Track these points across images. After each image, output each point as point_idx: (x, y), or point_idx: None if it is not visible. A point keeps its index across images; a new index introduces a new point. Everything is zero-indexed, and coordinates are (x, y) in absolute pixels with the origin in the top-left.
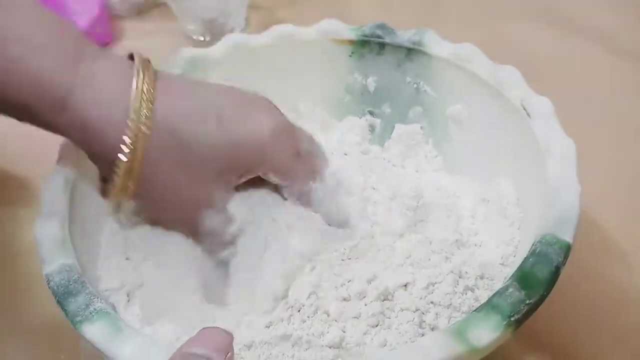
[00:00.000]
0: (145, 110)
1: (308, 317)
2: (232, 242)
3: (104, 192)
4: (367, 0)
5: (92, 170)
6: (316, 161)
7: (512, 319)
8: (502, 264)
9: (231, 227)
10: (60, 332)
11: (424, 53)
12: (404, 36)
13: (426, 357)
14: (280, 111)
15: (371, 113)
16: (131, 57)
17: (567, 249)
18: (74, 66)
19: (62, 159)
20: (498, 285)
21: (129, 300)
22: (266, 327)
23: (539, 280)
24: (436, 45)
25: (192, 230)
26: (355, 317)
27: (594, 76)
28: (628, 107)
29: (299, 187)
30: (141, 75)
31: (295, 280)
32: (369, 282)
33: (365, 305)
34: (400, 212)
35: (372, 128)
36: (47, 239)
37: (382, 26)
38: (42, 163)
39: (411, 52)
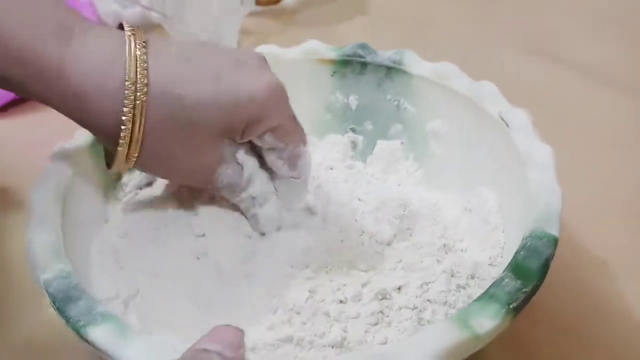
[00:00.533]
0: (140, 77)
1: (308, 319)
2: (247, 186)
3: (108, 164)
4: (355, 27)
5: (83, 177)
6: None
7: (511, 306)
8: (491, 265)
9: (244, 174)
10: (50, 342)
11: (404, 72)
12: (384, 55)
13: (433, 344)
14: (273, 72)
15: (353, 130)
16: (121, 27)
17: (555, 242)
18: (65, 38)
19: (53, 166)
20: (489, 284)
21: (125, 310)
22: (268, 329)
23: (532, 271)
24: (416, 64)
25: (210, 187)
26: (354, 317)
27: (576, 103)
28: (607, 129)
29: (291, 150)
30: (132, 43)
31: (291, 286)
32: (363, 286)
33: (364, 305)
34: (388, 221)
35: (354, 145)
36: (40, 246)
37: (363, 46)
38: (30, 173)
39: (391, 70)
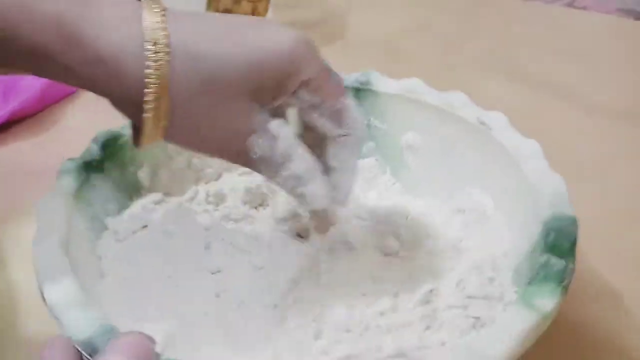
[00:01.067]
0: (161, 39)
1: (360, 334)
2: (284, 163)
3: (136, 140)
4: (334, 52)
5: (75, 228)
6: (341, 78)
7: (563, 283)
8: (505, 256)
9: (279, 147)
10: None
11: (371, 91)
12: (351, 78)
13: (513, 331)
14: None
15: None
16: None
17: (576, 221)
18: (82, 2)
19: (47, 219)
20: (508, 274)
21: None
22: (322, 354)
23: (566, 249)
24: (382, 83)
25: (243, 161)
26: (406, 325)
27: (552, 126)
28: (587, 154)
29: (332, 104)
30: (151, 6)
31: (327, 307)
32: (396, 296)
33: (411, 311)
34: (393, 233)
35: None
36: (68, 303)
37: None
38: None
39: (359, 92)
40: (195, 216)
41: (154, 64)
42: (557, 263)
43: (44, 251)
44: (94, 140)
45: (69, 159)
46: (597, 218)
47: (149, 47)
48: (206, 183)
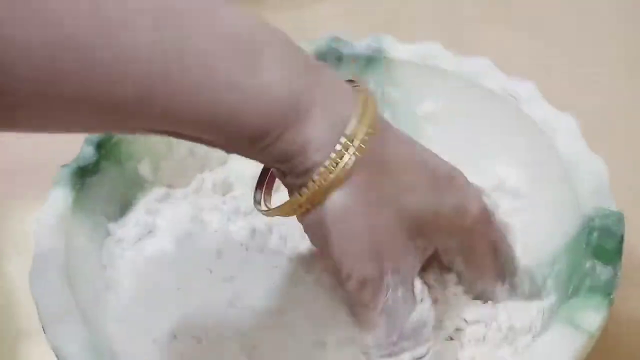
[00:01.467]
0: (362, 135)
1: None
2: (410, 334)
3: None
4: (328, 11)
5: (75, 245)
6: (511, 266)
7: (611, 296)
8: (537, 249)
9: (417, 312)
10: None
11: (384, 58)
12: (361, 45)
13: (559, 355)
14: None
15: None
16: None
17: (622, 217)
18: (306, 77)
19: (42, 243)
20: (542, 270)
21: None
22: None
23: (613, 253)
24: (397, 48)
25: (367, 295)
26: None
27: (561, 81)
28: (594, 109)
29: (484, 285)
30: (364, 101)
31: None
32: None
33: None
34: None
35: None
36: (76, 349)
37: (336, 39)
38: None
39: (371, 59)
40: (204, 216)
41: (339, 155)
42: (604, 272)
43: (44, 289)
44: (87, 141)
45: (63, 166)
46: None
47: (344, 140)
48: (211, 170)
